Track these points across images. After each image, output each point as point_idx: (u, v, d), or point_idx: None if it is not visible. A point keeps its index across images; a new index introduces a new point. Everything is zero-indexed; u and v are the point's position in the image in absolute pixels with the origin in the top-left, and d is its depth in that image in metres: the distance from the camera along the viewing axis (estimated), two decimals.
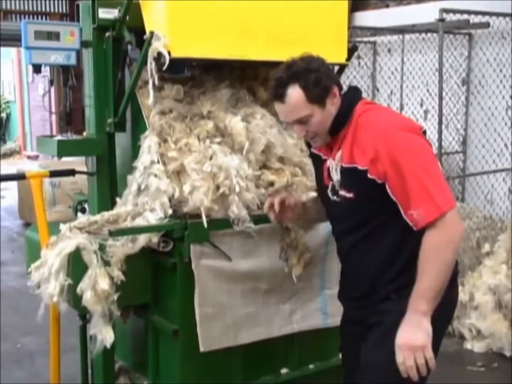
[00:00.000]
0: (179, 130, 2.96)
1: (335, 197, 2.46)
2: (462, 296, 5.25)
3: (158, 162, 2.85)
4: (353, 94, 2.47)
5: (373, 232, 2.40)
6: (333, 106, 2.39)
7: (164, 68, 2.78)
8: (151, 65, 2.80)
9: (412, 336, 2.23)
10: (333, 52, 3.20)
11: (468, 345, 5.05)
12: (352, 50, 3.35)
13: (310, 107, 2.34)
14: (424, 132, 2.43)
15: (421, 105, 7.29)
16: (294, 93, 2.32)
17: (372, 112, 2.40)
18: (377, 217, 2.38)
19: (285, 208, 2.70)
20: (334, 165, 2.43)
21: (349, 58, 3.30)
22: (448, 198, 2.24)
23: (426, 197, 2.21)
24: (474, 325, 5.06)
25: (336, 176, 2.43)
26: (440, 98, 5.57)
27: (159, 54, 2.77)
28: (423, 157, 2.28)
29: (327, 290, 3.16)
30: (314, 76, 2.32)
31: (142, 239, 2.82)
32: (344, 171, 2.39)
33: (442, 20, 5.52)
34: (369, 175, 2.29)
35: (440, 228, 2.20)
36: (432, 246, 2.21)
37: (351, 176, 2.36)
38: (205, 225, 2.78)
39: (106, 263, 2.78)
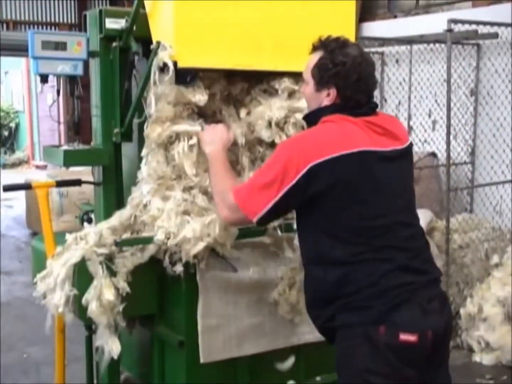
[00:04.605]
0: None
1: None
2: (471, 307, 5.22)
3: None
4: (334, 108, 2.47)
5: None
6: (324, 100, 2.48)
7: (167, 78, 2.77)
8: (154, 75, 2.79)
9: None
10: None
11: (477, 358, 5.01)
12: None
13: (310, 77, 2.51)
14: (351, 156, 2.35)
15: (429, 116, 7.27)
16: (312, 57, 2.52)
17: (314, 128, 2.49)
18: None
19: None
20: None
21: None
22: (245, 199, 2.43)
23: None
24: (483, 337, 5.02)
25: None
26: (448, 108, 5.54)
27: (165, 65, 2.76)
28: (272, 162, 2.43)
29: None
30: (327, 63, 2.45)
31: (152, 248, 2.82)
32: None
33: (450, 30, 5.49)
34: None
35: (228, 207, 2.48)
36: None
37: None
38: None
39: (112, 274, 2.78)
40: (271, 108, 2.95)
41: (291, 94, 3.04)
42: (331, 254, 2.37)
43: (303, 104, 2.84)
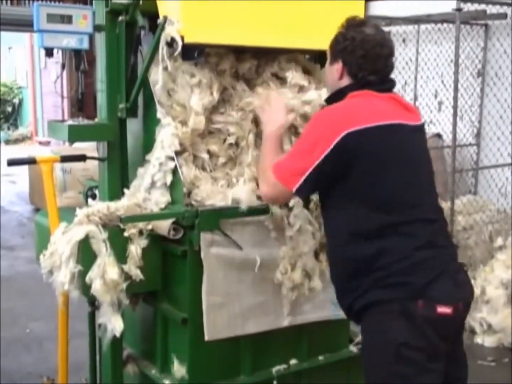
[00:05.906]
0: None
1: None
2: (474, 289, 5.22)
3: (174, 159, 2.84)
4: (353, 85, 2.55)
5: None
6: (335, 74, 2.58)
7: (176, 53, 2.74)
8: (162, 50, 2.76)
9: None
10: None
11: (479, 340, 5.02)
12: None
13: (328, 51, 2.64)
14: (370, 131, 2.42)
15: (436, 97, 7.23)
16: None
17: (344, 101, 2.53)
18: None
19: None
20: None
21: None
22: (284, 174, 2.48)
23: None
24: (485, 320, 5.03)
25: None
26: (455, 89, 5.50)
27: (172, 40, 2.73)
28: (307, 133, 2.52)
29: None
30: (339, 37, 2.57)
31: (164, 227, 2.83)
32: None
33: (459, 10, 5.44)
34: None
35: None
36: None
37: None
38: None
39: (122, 261, 2.77)
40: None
41: (301, 88, 3.07)
42: (365, 228, 2.41)
43: (312, 97, 2.97)
